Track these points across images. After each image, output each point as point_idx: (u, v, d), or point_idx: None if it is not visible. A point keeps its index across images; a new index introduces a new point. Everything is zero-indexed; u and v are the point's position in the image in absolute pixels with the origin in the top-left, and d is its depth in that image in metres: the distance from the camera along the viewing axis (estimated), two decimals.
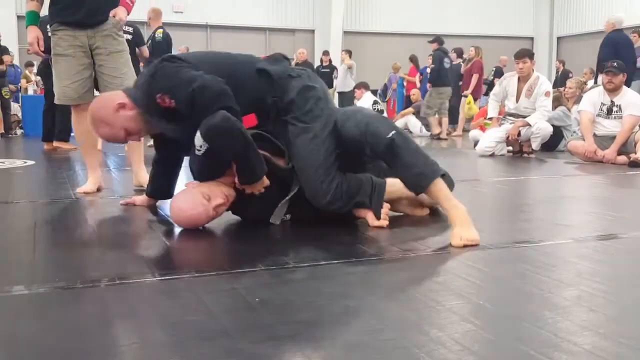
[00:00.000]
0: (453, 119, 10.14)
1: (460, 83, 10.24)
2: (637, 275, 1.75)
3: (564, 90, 7.38)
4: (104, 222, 2.62)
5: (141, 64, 6.74)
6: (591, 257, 1.88)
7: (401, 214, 2.51)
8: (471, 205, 2.17)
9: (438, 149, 7.15)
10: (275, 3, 16.20)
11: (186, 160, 2.45)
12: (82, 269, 1.79)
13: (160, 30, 7.15)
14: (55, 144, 6.70)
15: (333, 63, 11.80)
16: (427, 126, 9.98)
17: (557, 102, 6.41)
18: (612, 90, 5.27)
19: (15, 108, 10.58)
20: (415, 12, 16.92)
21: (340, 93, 11.09)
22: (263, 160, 2.21)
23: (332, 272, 1.70)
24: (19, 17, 13.26)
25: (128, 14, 3.25)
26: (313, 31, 16.54)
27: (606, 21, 8.16)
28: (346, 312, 1.35)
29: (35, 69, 10.55)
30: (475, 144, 6.30)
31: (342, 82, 11.11)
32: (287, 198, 2.32)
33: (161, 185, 2.70)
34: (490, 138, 5.88)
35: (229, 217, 2.39)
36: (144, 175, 3.27)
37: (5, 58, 9.77)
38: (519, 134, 5.70)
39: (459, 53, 10.65)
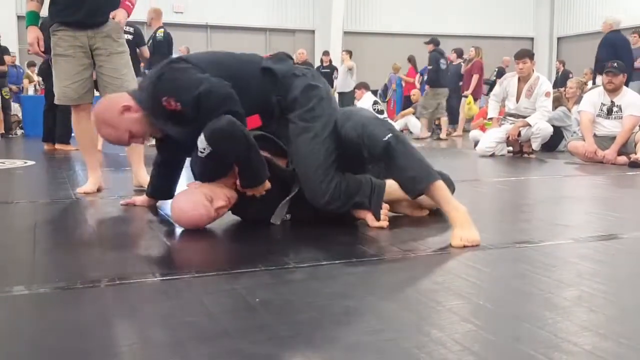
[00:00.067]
0: (453, 119, 10.14)
1: (461, 83, 10.25)
2: (637, 276, 1.75)
3: (564, 90, 7.38)
4: (104, 223, 2.62)
5: (141, 64, 6.76)
6: (591, 258, 1.87)
7: (401, 214, 2.51)
8: (471, 206, 2.16)
9: (438, 149, 7.15)
10: (275, 3, 16.21)
11: (187, 160, 2.45)
12: (82, 269, 1.79)
13: (161, 30, 7.18)
14: (57, 146, 6.70)
15: (333, 63, 11.81)
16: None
17: (557, 102, 6.41)
18: (612, 91, 5.27)
19: (16, 108, 10.58)
20: (416, 12, 16.94)
21: (340, 93, 11.08)
22: (266, 164, 2.21)
23: (332, 273, 1.70)
24: (19, 18, 13.28)
25: (128, 16, 3.25)
26: (313, 31, 16.55)
27: (603, 22, 8.17)
28: (346, 313, 1.35)
29: (36, 69, 10.55)
30: (476, 144, 6.30)
31: (343, 82, 11.11)
32: (288, 198, 2.32)
33: (162, 185, 2.69)
34: (491, 138, 5.88)
35: (229, 218, 2.39)
36: (144, 176, 3.27)
37: (7, 58, 9.78)
38: (519, 135, 5.70)
39: (459, 53, 10.64)
